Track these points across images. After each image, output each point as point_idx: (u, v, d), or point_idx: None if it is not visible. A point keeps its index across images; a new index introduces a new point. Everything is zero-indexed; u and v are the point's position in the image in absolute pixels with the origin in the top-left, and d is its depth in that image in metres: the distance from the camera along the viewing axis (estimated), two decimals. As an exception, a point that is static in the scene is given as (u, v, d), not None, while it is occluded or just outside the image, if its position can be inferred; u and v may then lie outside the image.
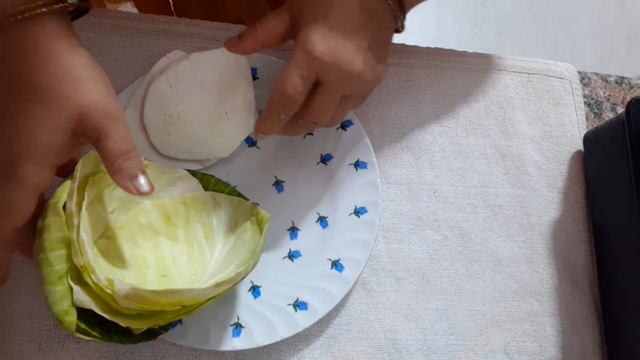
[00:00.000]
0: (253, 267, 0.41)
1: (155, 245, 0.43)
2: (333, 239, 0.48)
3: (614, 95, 0.60)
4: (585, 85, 0.60)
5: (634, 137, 0.48)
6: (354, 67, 0.39)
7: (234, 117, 0.48)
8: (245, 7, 0.62)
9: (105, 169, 0.36)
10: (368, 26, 0.39)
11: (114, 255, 0.40)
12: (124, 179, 0.35)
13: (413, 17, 1.73)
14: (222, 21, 0.54)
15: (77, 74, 0.33)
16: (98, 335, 0.36)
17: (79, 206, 0.37)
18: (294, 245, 0.48)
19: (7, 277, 0.37)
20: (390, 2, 0.40)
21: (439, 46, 0.58)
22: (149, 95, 0.47)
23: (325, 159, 0.50)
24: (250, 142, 0.50)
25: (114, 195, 0.42)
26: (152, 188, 0.36)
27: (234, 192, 0.46)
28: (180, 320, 0.43)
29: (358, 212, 0.48)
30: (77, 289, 0.36)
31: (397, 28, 0.43)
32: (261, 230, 0.42)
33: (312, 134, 0.51)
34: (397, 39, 0.53)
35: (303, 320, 0.44)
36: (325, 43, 0.38)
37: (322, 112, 0.41)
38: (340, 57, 0.38)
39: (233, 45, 0.41)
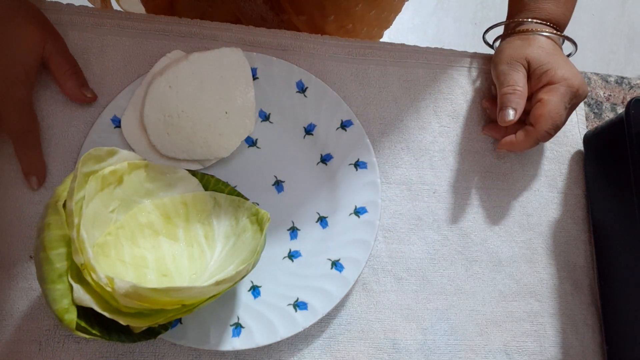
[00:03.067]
0: (253, 266, 0.41)
1: (155, 245, 0.43)
2: (333, 239, 0.48)
3: (614, 95, 0.60)
4: (585, 85, 0.60)
5: (634, 137, 0.48)
6: (586, 89, 0.51)
7: (234, 117, 0.48)
8: (241, 6, 0.63)
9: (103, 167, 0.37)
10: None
11: (114, 254, 0.40)
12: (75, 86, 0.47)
13: (413, 17, 1.73)
14: (222, 21, 0.54)
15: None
16: (98, 334, 0.36)
17: (79, 205, 0.37)
18: (294, 245, 0.48)
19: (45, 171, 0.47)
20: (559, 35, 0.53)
21: (439, 46, 0.58)
22: (149, 95, 0.47)
23: (325, 159, 0.50)
24: (250, 142, 0.50)
25: (114, 194, 0.42)
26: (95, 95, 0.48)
27: (234, 192, 0.46)
28: (180, 320, 0.43)
29: (358, 212, 0.48)
30: (77, 287, 0.36)
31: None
32: (261, 230, 0.42)
33: (312, 134, 0.51)
34: (397, 39, 0.53)
35: (303, 320, 0.44)
36: (577, 78, 0.50)
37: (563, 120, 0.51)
38: (582, 84, 0.50)
39: (511, 118, 0.49)
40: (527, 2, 0.53)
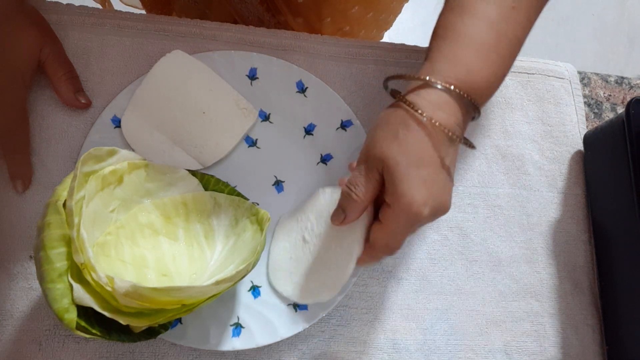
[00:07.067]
0: (253, 265, 0.41)
1: (155, 245, 0.43)
2: (333, 239, 0.48)
3: (614, 95, 0.60)
4: (585, 85, 0.60)
5: (634, 137, 0.48)
6: (446, 212, 0.40)
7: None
8: (238, 8, 0.63)
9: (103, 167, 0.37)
10: (448, 165, 0.40)
11: (114, 254, 0.40)
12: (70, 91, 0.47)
13: (413, 17, 1.73)
14: (220, 21, 0.54)
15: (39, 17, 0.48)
16: (98, 334, 0.36)
17: (79, 204, 0.37)
18: (294, 245, 0.48)
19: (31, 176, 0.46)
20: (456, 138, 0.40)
21: (439, 46, 0.58)
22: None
23: (325, 159, 0.50)
24: (250, 142, 0.50)
25: (114, 194, 0.42)
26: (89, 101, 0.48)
27: (234, 192, 0.46)
28: (180, 320, 0.43)
29: (358, 211, 0.48)
30: (77, 286, 0.36)
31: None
32: (261, 230, 0.42)
33: (312, 134, 0.51)
34: (397, 39, 0.53)
35: (303, 320, 0.44)
36: (429, 204, 0.37)
37: (401, 245, 0.41)
38: (439, 209, 0.39)
39: (340, 221, 0.41)
40: (443, 49, 0.40)
